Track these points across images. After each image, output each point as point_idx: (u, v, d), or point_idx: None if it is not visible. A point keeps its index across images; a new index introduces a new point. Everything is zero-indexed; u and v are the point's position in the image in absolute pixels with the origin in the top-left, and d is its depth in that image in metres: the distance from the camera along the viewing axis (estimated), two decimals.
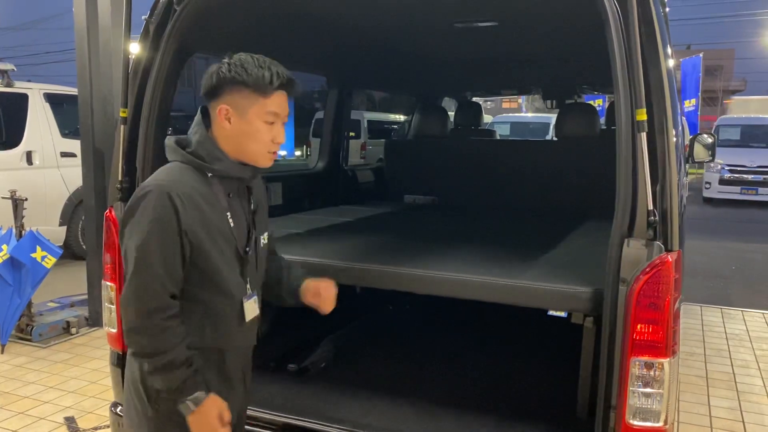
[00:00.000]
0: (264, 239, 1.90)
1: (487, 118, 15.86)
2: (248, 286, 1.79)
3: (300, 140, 21.46)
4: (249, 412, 2.34)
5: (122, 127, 2.44)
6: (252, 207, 1.84)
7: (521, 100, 22.39)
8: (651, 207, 1.83)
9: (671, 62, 2.06)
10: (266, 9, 2.78)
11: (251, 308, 1.80)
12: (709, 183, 14.93)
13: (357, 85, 5.47)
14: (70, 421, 3.50)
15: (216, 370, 1.77)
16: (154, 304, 1.60)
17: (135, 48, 2.46)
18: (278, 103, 1.70)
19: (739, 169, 14.52)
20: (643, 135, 1.82)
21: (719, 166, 14.43)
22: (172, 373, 1.62)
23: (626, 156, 1.86)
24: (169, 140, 1.76)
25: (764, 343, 5.05)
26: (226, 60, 1.70)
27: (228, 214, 1.73)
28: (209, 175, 1.71)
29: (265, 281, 1.96)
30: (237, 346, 1.82)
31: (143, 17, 2.46)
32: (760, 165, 14.43)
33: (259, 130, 1.69)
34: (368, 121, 16.99)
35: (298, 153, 21.93)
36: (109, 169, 2.54)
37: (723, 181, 14.68)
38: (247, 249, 1.78)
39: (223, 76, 1.67)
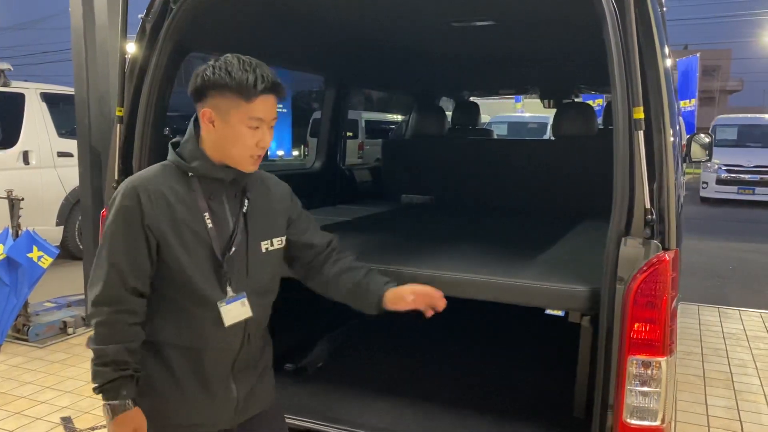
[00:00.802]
0: (270, 245, 1.83)
1: (484, 118, 15.87)
2: (228, 289, 1.72)
3: (298, 140, 21.46)
4: None
5: (119, 126, 2.44)
6: (245, 210, 1.77)
7: (516, 100, 22.34)
8: (648, 206, 1.83)
9: (668, 61, 2.06)
10: (263, 8, 2.78)
11: (233, 312, 1.72)
12: (707, 183, 14.97)
13: (354, 85, 5.47)
14: (66, 421, 3.49)
15: (192, 371, 1.73)
16: (106, 294, 1.63)
17: (131, 47, 2.46)
18: (262, 107, 1.66)
19: (736, 168, 14.56)
20: (641, 134, 1.83)
21: (716, 166, 14.47)
22: (99, 368, 1.63)
23: (623, 155, 1.86)
24: (170, 142, 1.78)
25: (761, 342, 5.05)
26: (211, 62, 1.68)
27: (206, 215, 1.69)
28: (190, 174, 1.70)
29: (335, 289, 1.95)
30: (217, 348, 1.74)
31: (140, 16, 2.46)
32: (757, 165, 14.47)
33: (241, 134, 1.66)
34: (366, 120, 16.99)
35: (295, 153, 21.93)
36: (106, 168, 2.53)
37: (720, 181, 14.71)
38: (227, 252, 1.71)
39: (207, 79, 1.65)
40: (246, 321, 1.76)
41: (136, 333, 1.66)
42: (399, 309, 1.91)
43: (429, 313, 1.92)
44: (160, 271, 1.68)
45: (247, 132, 1.66)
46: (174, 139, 1.78)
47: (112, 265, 1.64)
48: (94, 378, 1.64)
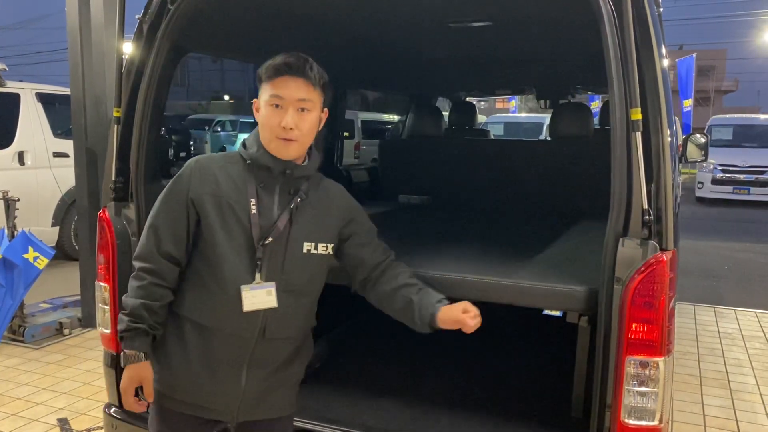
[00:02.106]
0: (314, 248, 1.84)
1: (480, 118, 15.89)
2: (258, 275, 1.74)
3: None
4: None
5: (116, 126, 2.43)
6: (293, 206, 1.80)
7: (508, 100, 22.37)
8: (646, 206, 1.83)
9: (666, 62, 2.07)
10: (260, 8, 2.77)
11: (256, 299, 1.74)
12: (702, 183, 15.02)
13: (351, 85, 5.46)
14: (63, 422, 3.48)
15: (202, 350, 1.78)
16: (141, 250, 1.79)
17: (128, 47, 2.45)
18: (283, 86, 1.75)
19: (731, 168, 14.62)
20: (638, 134, 1.83)
21: (712, 166, 14.52)
22: (121, 316, 1.78)
23: (621, 155, 1.86)
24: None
25: (757, 342, 5.07)
26: None
27: (252, 200, 1.76)
28: (248, 162, 1.80)
29: (390, 306, 1.99)
30: (228, 333, 1.77)
31: (137, 16, 2.45)
32: (752, 165, 14.53)
33: (266, 115, 1.77)
34: (362, 120, 16.98)
35: None
36: (102, 169, 2.53)
37: (715, 181, 14.77)
38: (263, 240, 1.75)
39: (257, 74, 1.82)
40: (265, 314, 1.76)
41: (160, 294, 1.77)
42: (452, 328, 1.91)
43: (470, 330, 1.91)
44: (197, 245, 1.79)
45: (270, 111, 1.76)
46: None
47: (151, 227, 1.79)
48: (118, 324, 1.78)
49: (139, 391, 1.81)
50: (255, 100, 1.85)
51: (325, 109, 1.87)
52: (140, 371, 1.77)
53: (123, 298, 1.80)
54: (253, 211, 1.75)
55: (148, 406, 1.86)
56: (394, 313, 2.01)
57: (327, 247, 1.88)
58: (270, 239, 1.76)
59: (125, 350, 1.77)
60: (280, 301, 1.77)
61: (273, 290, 1.76)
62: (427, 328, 1.95)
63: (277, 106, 1.75)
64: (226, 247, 1.74)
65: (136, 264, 1.79)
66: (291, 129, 1.73)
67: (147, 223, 1.81)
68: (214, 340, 1.77)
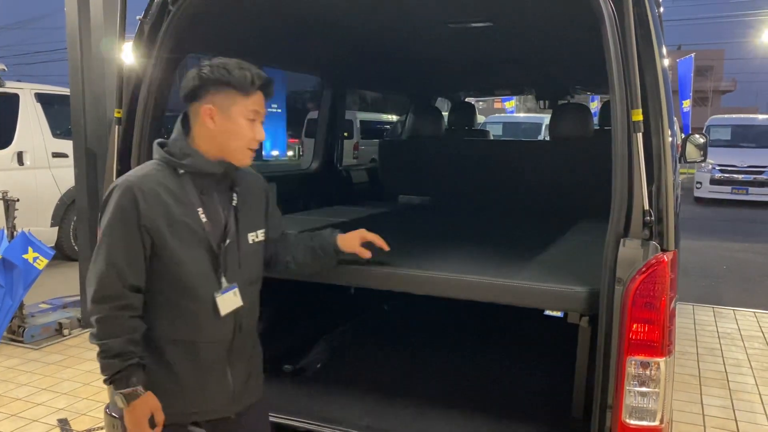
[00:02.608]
0: (256, 236, 1.93)
1: (479, 119, 15.89)
2: (223, 280, 1.80)
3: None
4: None
5: (117, 127, 2.43)
6: (234, 204, 1.86)
7: (503, 101, 22.32)
8: (647, 207, 1.83)
9: (666, 62, 2.07)
10: (261, 9, 2.77)
11: (228, 302, 1.81)
12: (701, 183, 15.04)
13: (351, 85, 5.47)
14: (63, 423, 3.48)
15: (188, 363, 1.81)
16: (105, 292, 1.70)
17: (129, 48, 2.45)
18: (259, 102, 1.80)
19: (729, 169, 14.63)
20: (639, 135, 1.83)
21: (710, 166, 14.54)
22: (106, 361, 1.71)
23: (622, 156, 1.87)
24: (155, 141, 1.87)
25: (756, 341, 5.08)
26: (206, 63, 1.79)
27: (200, 209, 1.78)
28: (181, 172, 1.78)
29: (299, 262, 2.11)
30: (212, 339, 1.82)
31: (138, 17, 2.45)
32: (751, 165, 14.55)
33: (242, 126, 1.78)
34: (361, 121, 16.99)
35: (290, 153, 21.91)
36: (102, 169, 2.53)
37: (714, 181, 14.78)
38: (222, 245, 1.81)
39: (206, 78, 1.75)
40: (238, 311, 1.85)
41: (138, 325, 1.75)
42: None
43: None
44: (155, 267, 1.75)
45: (246, 125, 1.78)
46: (160, 140, 1.87)
47: (111, 264, 1.70)
48: (103, 370, 1.72)
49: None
50: (206, 106, 1.75)
51: None
52: (147, 404, 1.73)
53: (100, 342, 1.70)
54: (204, 220, 1.78)
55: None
56: (302, 269, 2.16)
57: (263, 232, 1.99)
58: (228, 241, 1.82)
59: (122, 391, 1.70)
60: (244, 295, 1.86)
61: (237, 290, 1.84)
62: (335, 261, 2.19)
63: (253, 120, 1.80)
64: (189, 263, 1.76)
65: (104, 306, 1.69)
66: (260, 141, 1.83)
67: (99, 262, 1.71)
68: (200, 351, 1.81)
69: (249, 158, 1.84)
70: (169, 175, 1.77)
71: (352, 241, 2.17)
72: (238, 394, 1.90)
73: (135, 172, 1.80)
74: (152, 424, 1.74)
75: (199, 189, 1.80)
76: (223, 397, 1.87)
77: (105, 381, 1.72)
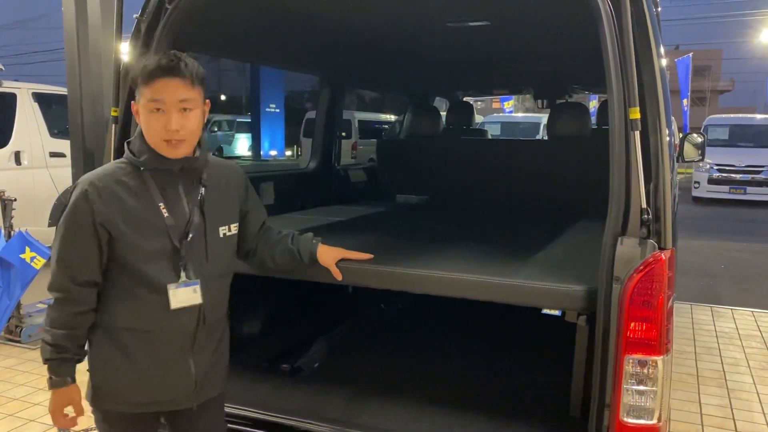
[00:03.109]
0: (227, 230, 1.93)
1: (477, 118, 15.89)
2: (183, 274, 1.80)
3: (290, 140, 21.43)
4: (241, 412, 2.35)
5: (113, 126, 2.43)
6: (200, 197, 1.86)
7: (501, 102, 22.39)
8: (644, 205, 1.84)
9: (664, 61, 2.07)
10: (258, 8, 2.77)
11: (183, 296, 1.80)
12: (698, 182, 15.06)
13: (349, 85, 5.47)
14: None
15: (147, 352, 1.82)
16: (54, 285, 1.78)
17: (126, 47, 2.45)
18: (160, 89, 1.72)
19: (727, 168, 14.66)
20: (637, 134, 1.84)
21: (708, 166, 14.56)
22: (45, 345, 1.81)
23: (620, 155, 1.87)
24: (126, 141, 1.88)
25: (753, 341, 5.09)
26: None
27: (161, 205, 1.78)
28: (141, 169, 1.79)
29: (276, 262, 2.15)
30: (169, 330, 1.83)
31: (134, 16, 2.45)
32: (748, 164, 14.57)
33: (147, 119, 1.75)
34: (359, 120, 16.99)
35: (288, 153, 21.90)
36: None
37: (712, 181, 14.81)
38: (184, 240, 1.80)
39: (131, 77, 1.81)
40: (201, 304, 1.84)
41: (82, 320, 1.80)
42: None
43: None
44: (114, 260, 1.78)
45: (151, 116, 1.74)
46: (129, 139, 1.89)
47: (60, 260, 1.77)
48: (41, 353, 1.83)
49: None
50: (133, 103, 1.81)
51: (207, 101, 1.86)
52: (68, 395, 1.84)
53: (45, 326, 1.81)
54: (165, 215, 1.79)
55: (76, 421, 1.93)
56: (279, 267, 2.20)
57: (237, 226, 1.99)
58: (191, 236, 1.82)
59: (51, 377, 1.82)
60: (211, 288, 1.86)
61: (198, 287, 1.82)
62: (310, 268, 2.23)
63: (157, 109, 1.74)
64: (146, 256, 1.77)
65: (53, 294, 1.79)
66: (177, 131, 1.74)
67: (54, 255, 1.79)
68: (157, 340, 1.83)
69: (171, 150, 1.77)
70: (131, 172, 1.79)
71: (330, 257, 2.23)
72: (200, 386, 1.91)
73: (97, 170, 1.83)
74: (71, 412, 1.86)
75: (161, 184, 1.80)
76: (184, 389, 1.89)
77: (43, 360, 1.82)
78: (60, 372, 1.82)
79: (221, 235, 1.91)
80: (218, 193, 1.92)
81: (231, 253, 1.99)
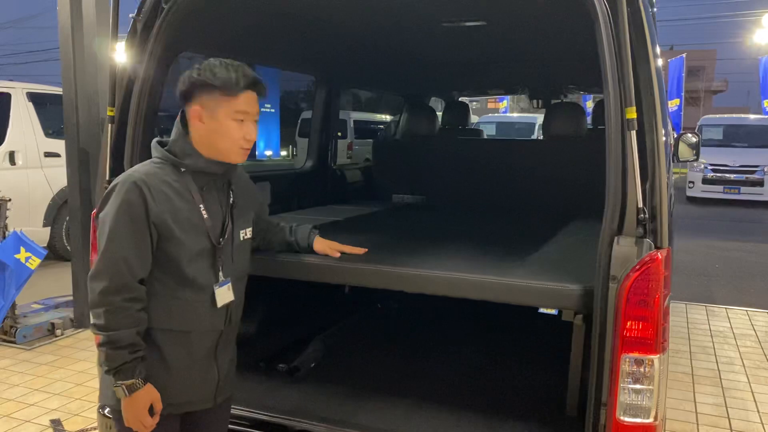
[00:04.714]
0: (246, 234, 2.02)
1: (473, 118, 15.92)
2: (221, 274, 1.88)
3: (286, 140, 21.40)
4: (238, 412, 2.35)
5: (110, 126, 2.42)
6: (231, 201, 1.94)
7: (499, 101, 22.49)
8: (641, 205, 1.84)
9: (660, 61, 2.08)
10: (255, 8, 2.77)
11: (223, 295, 1.89)
12: (693, 182, 15.12)
13: (345, 85, 5.47)
14: (56, 423, 3.47)
15: (182, 351, 1.86)
16: (116, 283, 1.73)
17: (122, 47, 2.44)
18: (246, 102, 1.82)
19: (722, 168, 14.72)
20: (633, 133, 1.84)
21: (702, 166, 14.62)
22: (114, 351, 1.73)
23: (616, 154, 1.88)
24: (154, 140, 1.91)
25: (748, 340, 5.11)
26: (196, 66, 1.83)
27: (201, 206, 1.84)
28: (182, 170, 1.83)
29: (274, 250, 2.32)
30: (205, 330, 1.89)
31: (130, 15, 2.44)
32: (743, 164, 14.64)
33: (230, 128, 1.81)
34: (355, 121, 16.98)
35: (283, 153, 21.87)
36: (95, 169, 2.53)
37: (706, 181, 14.87)
38: (221, 240, 1.88)
39: (193, 81, 1.81)
40: (228, 303, 1.92)
41: (144, 317, 1.79)
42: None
43: None
44: (157, 260, 1.80)
45: (233, 125, 1.82)
46: (159, 139, 1.92)
47: (122, 259, 1.73)
48: (109, 361, 1.74)
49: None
50: (195, 107, 1.80)
51: None
52: (148, 395, 1.77)
53: (108, 333, 1.71)
54: (205, 216, 1.84)
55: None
56: (274, 247, 2.40)
57: (251, 229, 2.08)
58: (225, 237, 1.90)
59: (125, 382, 1.73)
60: (236, 288, 1.95)
61: (230, 284, 1.92)
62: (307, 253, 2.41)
63: (241, 120, 1.82)
64: (192, 256, 1.81)
65: (115, 298, 1.71)
66: (253, 140, 1.86)
67: (109, 256, 1.72)
68: (193, 341, 1.87)
69: (242, 157, 1.88)
70: (170, 172, 1.82)
71: (326, 245, 2.41)
72: (222, 385, 1.97)
73: (138, 168, 1.83)
74: (152, 412, 1.79)
75: (200, 186, 1.85)
76: (210, 387, 1.94)
77: (108, 371, 1.75)
78: (135, 373, 1.74)
79: (242, 238, 1.99)
80: (242, 198, 2.00)
81: (248, 255, 2.06)
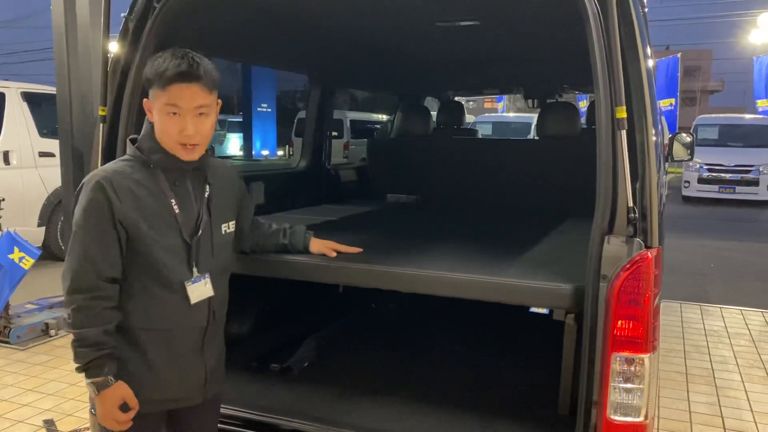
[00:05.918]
0: (228, 227, 1.98)
1: (469, 118, 15.93)
2: (195, 269, 1.84)
3: (283, 140, 21.39)
4: (231, 412, 2.34)
5: (101, 125, 2.42)
6: (207, 195, 1.90)
7: (497, 101, 22.54)
8: (631, 204, 1.85)
9: (650, 61, 2.08)
10: (247, 7, 2.77)
11: (198, 291, 1.85)
12: (688, 182, 15.16)
13: (340, 84, 5.46)
14: (49, 424, 3.46)
15: (164, 349, 1.84)
16: (79, 283, 1.72)
17: (114, 46, 2.44)
18: (178, 95, 1.73)
19: (717, 168, 14.76)
20: (623, 133, 1.85)
21: (698, 165, 14.67)
22: (81, 349, 1.73)
23: (606, 154, 1.88)
24: (128, 138, 1.91)
25: (742, 339, 5.12)
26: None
27: (172, 201, 1.81)
28: (152, 166, 1.81)
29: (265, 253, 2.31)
30: (185, 327, 1.87)
31: (122, 15, 2.44)
32: (738, 164, 14.68)
33: (163, 122, 1.76)
34: (350, 120, 16.97)
35: (280, 153, 21.86)
36: (89, 168, 2.51)
37: (701, 180, 14.91)
38: (197, 235, 1.85)
39: (143, 74, 1.81)
40: (210, 299, 1.89)
41: (112, 316, 1.77)
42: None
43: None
44: (129, 258, 1.78)
45: (167, 120, 1.76)
46: (133, 136, 1.91)
47: (86, 258, 1.72)
48: (76, 359, 1.74)
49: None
50: (146, 100, 1.80)
51: (218, 101, 1.86)
52: (120, 391, 1.77)
53: (75, 331, 1.72)
54: (177, 211, 1.81)
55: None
56: (269, 251, 2.38)
57: (234, 223, 2.05)
58: (200, 232, 1.86)
59: (93, 380, 1.74)
60: (216, 283, 1.91)
61: (209, 280, 1.88)
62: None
63: (174, 113, 1.75)
64: (162, 253, 1.79)
65: (79, 297, 1.71)
66: (193, 136, 1.77)
67: (74, 256, 1.72)
68: (175, 338, 1.85)
69: (186, 153, 1.80)
70: (140, 169, 1.80)
71: (321, 245, 2.42)
72: (209, 382, 1.96)
73: (106, 167, 1.82)
74: (127, 409, 1.78)
75: (172, 180, 1.83)
76: (197, 385, 1.93)
77: (77, 369, 1.75)
78: (104, 371, 1.74)
79: (223, 232, 1.96)
80: (220, 192, 1.96)
81: (230, 249, 2.05)
